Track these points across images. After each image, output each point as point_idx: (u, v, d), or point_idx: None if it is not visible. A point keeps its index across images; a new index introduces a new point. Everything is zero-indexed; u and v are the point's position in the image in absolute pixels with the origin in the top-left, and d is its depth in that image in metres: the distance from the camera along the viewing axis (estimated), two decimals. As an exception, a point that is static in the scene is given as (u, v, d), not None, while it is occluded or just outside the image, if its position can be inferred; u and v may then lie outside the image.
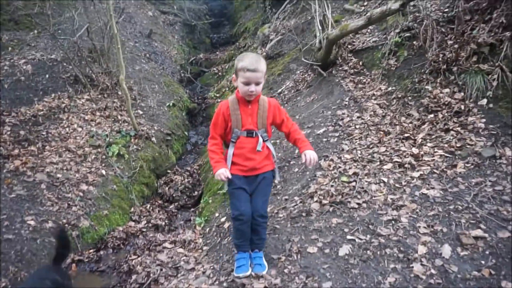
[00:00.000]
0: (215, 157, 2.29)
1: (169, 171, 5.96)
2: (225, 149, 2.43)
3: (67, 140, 5.14)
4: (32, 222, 3.62)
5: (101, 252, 3.87)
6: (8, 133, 4.79)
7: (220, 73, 10.15)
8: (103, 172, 4.84)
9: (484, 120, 3.64)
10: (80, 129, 5.46)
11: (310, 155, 2.28)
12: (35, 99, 5.74)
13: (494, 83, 3.84)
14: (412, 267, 2.28)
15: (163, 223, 4.63)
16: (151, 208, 5.06)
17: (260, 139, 2.31)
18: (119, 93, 6.58)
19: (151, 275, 3.01)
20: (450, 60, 4.34)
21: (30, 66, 6.22)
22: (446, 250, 2.36)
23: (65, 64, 6.54)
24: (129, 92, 6.97)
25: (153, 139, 6.02)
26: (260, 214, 2.39)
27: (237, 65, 2.17)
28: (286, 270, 2.43)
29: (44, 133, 5.08)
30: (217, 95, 8.81)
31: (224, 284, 2.44)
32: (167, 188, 5.65)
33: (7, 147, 4.51)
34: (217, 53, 11.80)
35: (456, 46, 4.39)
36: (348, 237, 2.63)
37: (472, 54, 4.21)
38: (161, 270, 3.08)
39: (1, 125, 4.88)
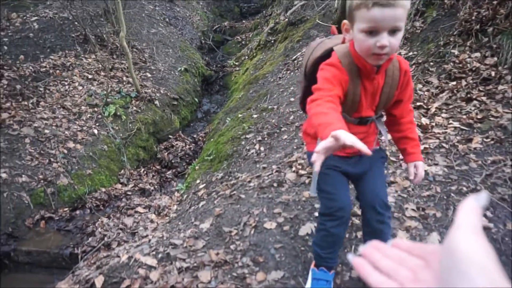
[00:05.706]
0: (333, 114, 1.09)
1: (170, 136, 5.70)
2: None
3: (65, 97, 4.99)
4: (3, 175, 3.48)
5: (77, 212, 3.69)
6: (4, 86, 4.69)
7: (243, 42, 9.68)
8: (95, 131, 4.64)
9: (518, 89, 2.97)
10: (80, 88, 5.29)
11: (422, 170, 1.42)
12: (41, 56, 5.64)
13: (538, 45, 3.11)
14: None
15: (152, 188, 4.38)
16: (145, 172, 4.84)
17: (376, 129, 1.47)
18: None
19: (106, 238, 2.76)
20: (486, 19, 3.60)
21: (40, 23, 6.13)
22: (433, 240, 1.85)
23: (76, 23, 6.38)
24: (140, 54, 6.76)
25: (156, 102, 5.75)
26: (383, 202, 1.48)
27: (352, 2, 1.16)
28: (232, 247, 2.04)
29: (41, 89, 4.94)
30: (236, 63, 8.40)
31: (160, 255, 2.10)
32: (166, 153, 5.40)
33: (-1, 100, 4.42)
34: (244, 21, 11.27)
35: (494, 2, 3.63)
36: (317, 214, 2.18)
37: (515, 11, 3.46)
38: (119, 234, 2.81)
39: (-1, 78, 4.80)
